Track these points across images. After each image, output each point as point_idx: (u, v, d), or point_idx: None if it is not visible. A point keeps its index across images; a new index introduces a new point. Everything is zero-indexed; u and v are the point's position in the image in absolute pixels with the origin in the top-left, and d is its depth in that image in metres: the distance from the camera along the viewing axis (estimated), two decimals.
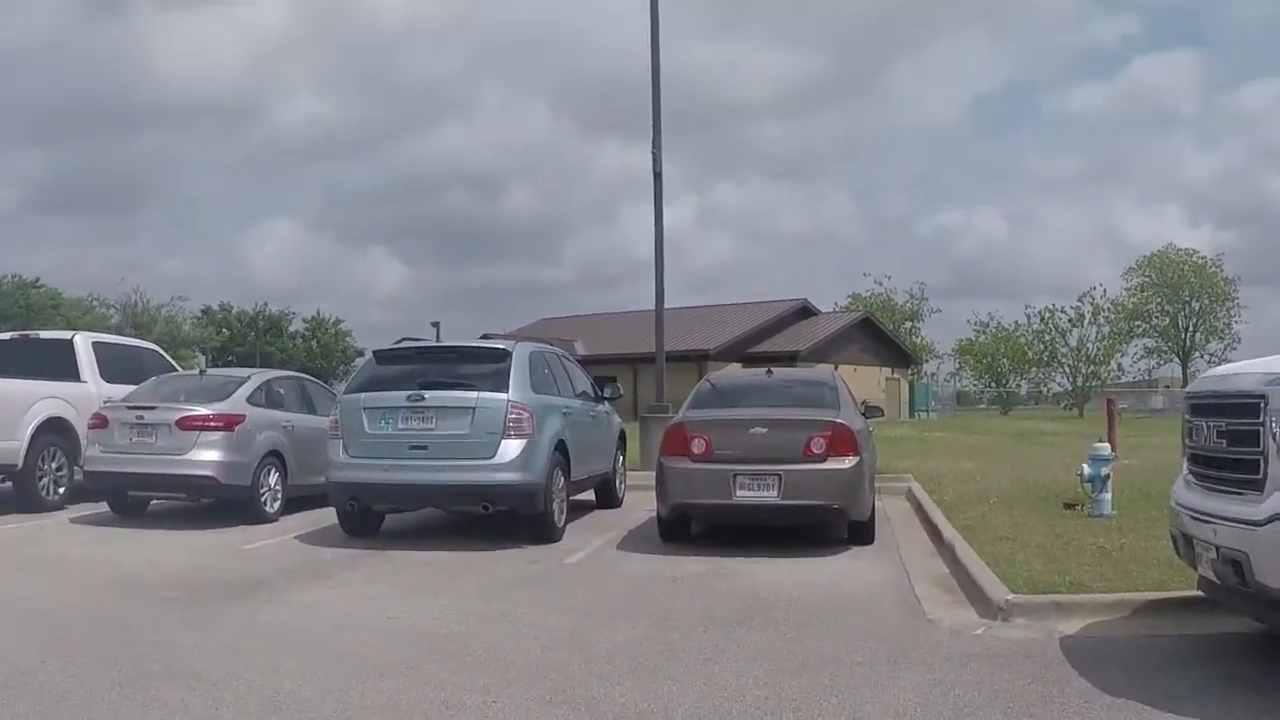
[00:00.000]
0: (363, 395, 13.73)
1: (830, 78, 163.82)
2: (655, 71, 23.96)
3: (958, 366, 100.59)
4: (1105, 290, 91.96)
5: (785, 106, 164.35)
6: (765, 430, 12.74)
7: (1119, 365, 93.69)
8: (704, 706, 6.65)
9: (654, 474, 13.69)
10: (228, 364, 63.56)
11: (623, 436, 18.48)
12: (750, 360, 48.58)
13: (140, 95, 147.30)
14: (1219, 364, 67.92)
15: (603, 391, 17.57)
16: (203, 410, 15.39)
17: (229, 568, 11.86)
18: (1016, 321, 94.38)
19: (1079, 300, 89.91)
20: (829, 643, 8.35)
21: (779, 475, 12.39)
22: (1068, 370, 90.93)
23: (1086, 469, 14.31)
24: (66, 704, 6.66)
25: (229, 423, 15.35)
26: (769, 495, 12.45)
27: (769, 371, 15.20)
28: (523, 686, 7.07)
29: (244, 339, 79.76)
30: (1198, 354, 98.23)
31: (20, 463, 16.20)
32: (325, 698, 6.80)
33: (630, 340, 52.54)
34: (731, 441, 12.75)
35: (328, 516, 14.67)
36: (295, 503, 16.48)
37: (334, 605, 9.86)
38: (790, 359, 51.02)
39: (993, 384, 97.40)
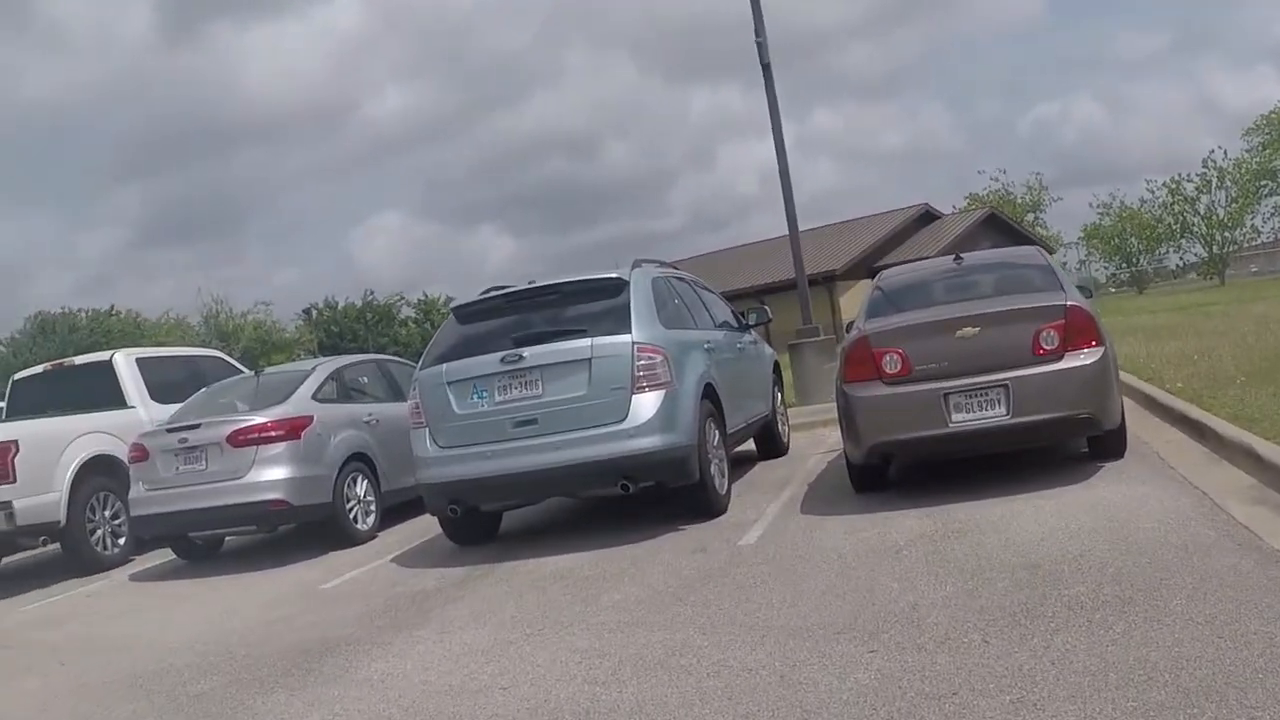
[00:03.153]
0: (445, 367, 10.60)
1: None
2: None
3: (1086, 252, 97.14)
4: (1226, 153, 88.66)
5: (867, 28, 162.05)
6: (977, 330, 9.55)
7: (1253, 226, 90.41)
8: None
9: (834, 407, 10.67)
10: None
11: (777, 369, 15.19)
12: (879, 274, 45.29)
13: (229, 115, 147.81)
14: None
15: (746, 318, 14.26)
16: (257, 419, 12.32)
17: (295, 625, 8.83)
18: (1141, 198, 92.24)
19: (1203, 166, 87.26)
20: (1198, 638, 5.20)
21: (1006, 386, 9.30)
22: (1202, 239, 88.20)
23: None
24: None
25: (293, 428, 12.27)
26: (996, 414, 9.34)
27: (958, 259, 11.80)
28: None
29: (354, 334, 77.52)
30: None
31: (63, 518, 13.22)
32: None
33: (751, 273, 50.23)
34: (936, 351, 9.61)
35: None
36: (399, 510, 13.50)
37: (422, 672, 6.73)
38: None
39: (1124, 265, 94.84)
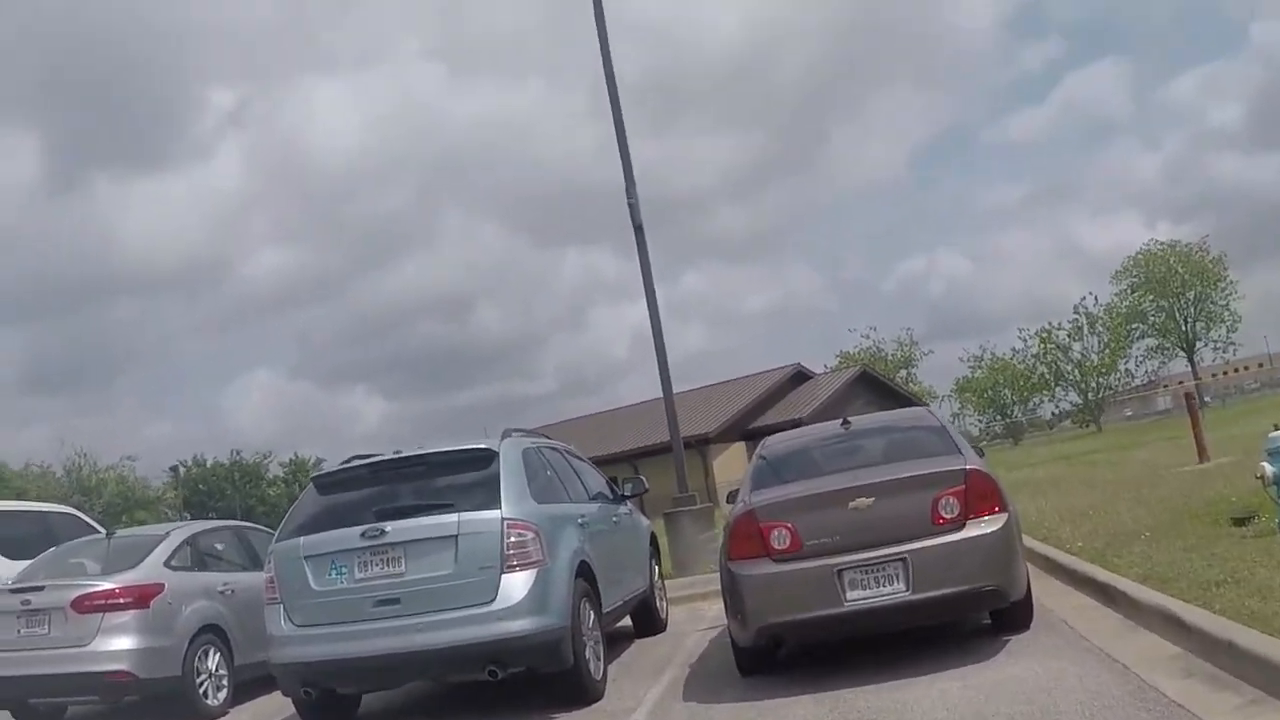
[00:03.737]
0: (302, 540, 10.03)
1: (772, 156, 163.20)
2: (618, 119, 21.45)
3: (959, 406, 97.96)
4: (1096, 298, 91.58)
5: (732, 191, 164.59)
6: (871, 500, 9.16)
7: (1127, 370, 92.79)
8: None
9: (713, 578, 10.54)
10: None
11: (654, 540, 14.71)
12: (752, 436, 45.15)
13: (103, 267, 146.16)
14: (1226, 349, 68.45)
15: (622, 489, 13.81)
16: (104, 584, 11.82)
17: None
18: (1012, 348, 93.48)
19: (1075, 312, 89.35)
20: None
21: (904, 559, 8.91)
22: (1076, 386, 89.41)
23: (1269, 468, 10.69)
24: None
25: (142, 596, 11.76)
26: (895, 590, 8.92)
27: (845, 423, 11.44)
28: None
29: (222, 492, 76.78)
30: (1200, 343, 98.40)
31: None
32: None
33: (624, 437, 50.27)
34: (827, 524, 9.19)
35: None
36: (254, 683, 12.72)
37: None
38: (794, 426, 47.63)
39: (997, 417, 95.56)
